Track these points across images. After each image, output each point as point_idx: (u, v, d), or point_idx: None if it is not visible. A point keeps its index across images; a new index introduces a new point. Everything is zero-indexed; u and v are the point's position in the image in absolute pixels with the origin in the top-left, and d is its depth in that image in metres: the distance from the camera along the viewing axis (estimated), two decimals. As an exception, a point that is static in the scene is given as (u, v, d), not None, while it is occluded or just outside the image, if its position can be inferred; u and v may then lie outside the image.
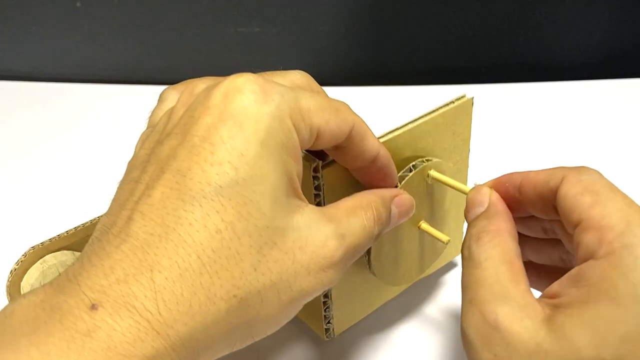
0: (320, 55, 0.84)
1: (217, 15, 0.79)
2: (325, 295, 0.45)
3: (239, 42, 0.81)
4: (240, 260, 0.29)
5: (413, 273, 0.49)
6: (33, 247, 0.42)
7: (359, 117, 0.38)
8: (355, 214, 0.36)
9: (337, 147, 0.37)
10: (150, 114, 0.40)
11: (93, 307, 0.27)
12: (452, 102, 0.47)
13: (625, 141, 0.74)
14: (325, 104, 0.35)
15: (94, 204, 0.64)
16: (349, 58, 0.85)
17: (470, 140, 0.50)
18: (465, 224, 0.40)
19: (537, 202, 0.39)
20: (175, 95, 0.40)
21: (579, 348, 0.31)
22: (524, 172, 0.41)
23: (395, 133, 0.43)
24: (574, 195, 0.37)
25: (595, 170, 0.39)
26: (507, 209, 0.39)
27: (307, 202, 0.34)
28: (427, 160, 0.45)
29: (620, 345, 0.30)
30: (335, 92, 0.79)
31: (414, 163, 0.44)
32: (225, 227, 0.29)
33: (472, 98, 0.47)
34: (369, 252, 0.44)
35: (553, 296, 0.34)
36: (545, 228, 0.42)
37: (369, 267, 0.45)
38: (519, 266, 0.35)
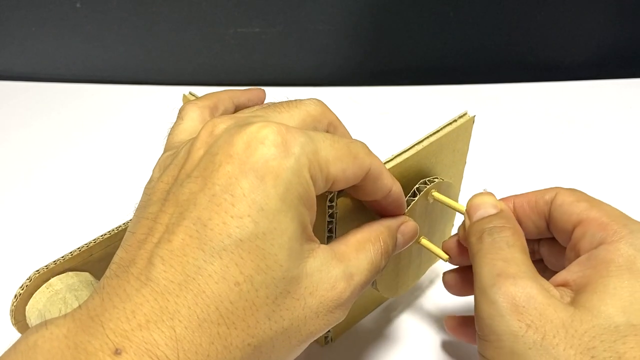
0: (321, 55, 0.84)
1: (217, 16, 0.79)
2: None
3: (239, 42, 0.81)
4: (256, 310, 0.30)
5: (410, 282, 0.51)
6: (38, 271, 0.42)
7: (375, 158, 0.38)
8: (364, 250, 0.38)
9: (352, 186, 0.38)
10: (169, 131, 0.40)
11: (117, 351, 0.27)
12: (455, 120, 0.48)
13: (624, 141, 0.74)
14: (344, 151, 0.36)
15: (93, 206, 0.64)
16: (349, 58, 0.85)
17: (468, 154, 0.51)
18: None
19: (531, 215, 0.43)
20: (195, 113, 0.41)
21: (610, 315, 0.34)
22: (514, 195, 0.44)
23: (403, 157, 0.44)
24: (570, 202, 0.41)
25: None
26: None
27: (317, 241, 0.35)
28: (430, 181, 0.46)
29: None
30: (336, 92, 0.79)
31: (417, 186, 0.46)
32: (244, 280, 0.30)
33: (474, 116, 0.48)
34: None
35: (564, 284, 0.38)
36: (533, 250, 0.45)
37: (373, 286, 0.47)
38: (528, 260, 0.38)
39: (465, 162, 0.52)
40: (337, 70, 0.86)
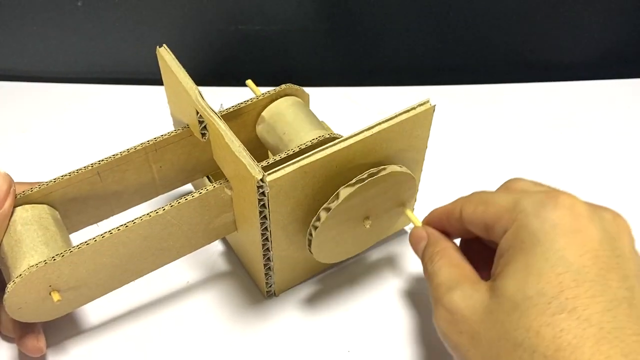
0: (321, 54, 0.84)
1: (218, 13, 0.79)
2: (268, 267, 0.54)
3: (239, 40, 0.81)
4: None
5: (348, 252, 0.56)
6: None
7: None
8: None
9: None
10: None
11: None
12: (414, 108, 0.50)
13: (624, 141, 0.74)
14: None
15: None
16: (349, 57, 0.85)
17: (429, 138, 0.54)
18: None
19: (456, 229, 0.50)
20: None
21: (511, 295, 0.39)
22: (436, 211, 0.52)
23: (349, 142, 0.48)
24: (472, 212, 0.46)
25: (482, 191, 0.48)
26: (442, 234, 0.50)
27: None
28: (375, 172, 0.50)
29: (539, 280, 0.38)
30: (335, 92, 0.79)
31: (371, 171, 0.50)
32: None
33: (434, 105, 0.50)
34: (310, 242, 0.51)
35: (493, 274, 0.43)
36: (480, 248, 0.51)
37: (310, 252, 0.52)
38: (466, 265, 0.46)
39: (427, 147, 0.54)
40: (337, 69, 0.86)
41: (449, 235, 0.51)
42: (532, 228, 0.40)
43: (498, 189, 0.49)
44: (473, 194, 0.48)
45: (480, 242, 0.50)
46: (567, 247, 0.39)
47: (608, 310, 0.36)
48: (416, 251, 0.51)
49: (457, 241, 0.52)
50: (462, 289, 0.43)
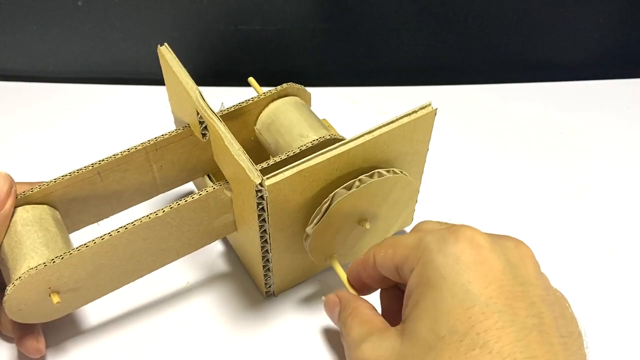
0: (321, 54, 0.84)
1: (218, 14, 0.79)
2: (267, 268, 0.54)
3: (240, 40, 0.81)
4: None
5: (345, 257, 0.56)
6: None
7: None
8: None
9: None
10: None
11: None
12: (415, 111, 0.50)
13: (623, 141, 0.74)
14: None
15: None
16: (349, 57, 0.85)
17: (430, 141, 0.54)
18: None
19: (375, 279, 0.49)
20: None
21: (423, 338, 0.38)
22: (356, 261, 0.50)
23: (350, 145, 0.48)
24: (382, 258, 0.46)
25: (393, 236, 0.51)
26: (354, 294, 0.50)
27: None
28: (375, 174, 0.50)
29: (449, 319, 0.37)
30: (336, 92, 0.79)
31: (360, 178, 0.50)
32: None
33: (436, 109, 0.50)
34: (307, 244, 0.51)
35: (403, 316, 0.42)
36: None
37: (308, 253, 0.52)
38: (376, 318, 0.45)
39: (428, 150, 0.54)
40: (337, 69, 0.86)
41: (368, 287, 0.51)
42: (436, 264, 0.40)
43: (411, 230, 0.48)
44: (384, 239, 0.48)
45: (396, 290, 0.50)
46: (472, 280, 0.38)
47: (518, 341, 0.36)
48: (332, 319, 0.51)
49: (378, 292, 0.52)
50: (371, 341, 0.42)
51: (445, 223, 0.46)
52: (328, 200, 0.48)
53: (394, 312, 0.47)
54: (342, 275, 0.52)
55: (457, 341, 0.37)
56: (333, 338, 0.56)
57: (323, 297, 0.51)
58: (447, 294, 0.38)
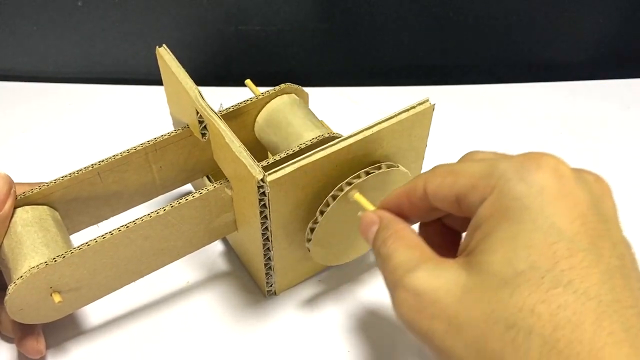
0: (320, 54, 0.84)
1: (218, 14, 0.79)
2: (269, 267, 0.54)
3: (239, 40, 0.81)
4: None
5: (346, 256, 0.56)
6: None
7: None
8: None
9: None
10: None
11: None
12: (413, 107, 0.50)
13: (623, 141, 0.74)
14: None
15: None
16: (349, 57, 0.85)
17: (428, 138, 0.54)
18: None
19: (418, 208, 0.43)
20: None
21: (497, 271, 0.34)
22: (394, 193, 0.45)
23: (349, 141, 0.48)
24: (438, 186, 0.40)
25: (446, 163, 0.43)
26: (396, 216, 0.44)
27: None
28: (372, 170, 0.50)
29: (530, 252, 0.34)
30: (335, 92, 0.79)
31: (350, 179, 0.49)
32: None
33: (434, 105, 0.50)
34: (309, 242, 0.51)
35: (463, 250, 0.38)
36: (441, 229, 0.46)
37: (309, 252, 0.52)
38: (425, 246, 0.40)
39: (426, 146, 0.54)
40: (337, 69, 0.86)
41: (407, 220, 0.44)
42: (516, 193, 0.36)
43: (459, 160, 0.43)
44: (436, 166, 0.42)
45: (440, 224, 0.46)
46: (557, 213, 0.35)
47: (603, 283, 0.33)
48: (366, 238, 0.45)
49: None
50: (426, 269, 0.37)
51: (504, 153, 0.41)
52: (332, 196, 0.49)
53: (435, 247, 0.41)
54: (369, 207, 0.47)
55: (538, 277, 0.33)
56: (334, 337, 0.56)
57: (360, 213, 0.45)
58: (530, 226, 0.35)
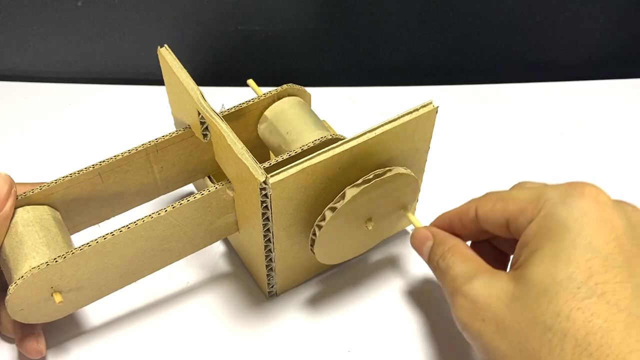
0: (321, 54, 0.84)
1: (218, 14, 0.79)
2: (270, 268, 0.54)
3: (240, 40, 0.81)
4: None
5: (348, 254, 0.57)
6: None
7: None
8: None
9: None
10: None
11: None
12: (417, 109, 0.50)
13: (624, 141, 0.74)
14: None
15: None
16: (350, 57, 0.85)
17: (431, 140, 0.54)
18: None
19: (469, 229, 0.50)
20: None
21: (539, 282, 0.39)
22: (447, 213, 0.53)
23: (357, 141, 0.48)
24: (489, 211, 0.47)
25: (496, 191, 0.49)
26: (448, 233, 0.51)
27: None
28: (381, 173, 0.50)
29: (568, 266, 0.39)
30: (336, 92, 0.79)
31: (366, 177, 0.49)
32: None
33: (437, 107, 0.51)
34: (313, 242, 0.51)
35: (513, 265, 0.44)
36: (490, 248, 0.53)
37: (312, 252, 0.52)
38: (479, 259, 0.46)
39: (429, 148, 0.55)
40: (337, 69, 0.86)
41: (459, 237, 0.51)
42: (560, 216, 0.41)
43: (510, 189, 0.50)
44: (487, 193, 0.49)
45: (488, 244, 0.52)
46: (594, 235, 0.40)
47: (635, 297, 0.38)
48: (420, 252, 0.52)
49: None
50: (482, 279, 0.43)
51: (549, 183, 0.47)
52: (341, 195, 0.48)
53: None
54: (418, 224, 0.54)
55: (574, 287, 0.38)
56: (335, 338, 0.56)
57: (409, 229, 0.55)
58: (569, 244, 0.40)
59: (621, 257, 0.39)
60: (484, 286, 0.43)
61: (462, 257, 0.47)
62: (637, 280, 0.38)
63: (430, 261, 0.50)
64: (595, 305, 0.37)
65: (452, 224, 0.51)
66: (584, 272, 0.38)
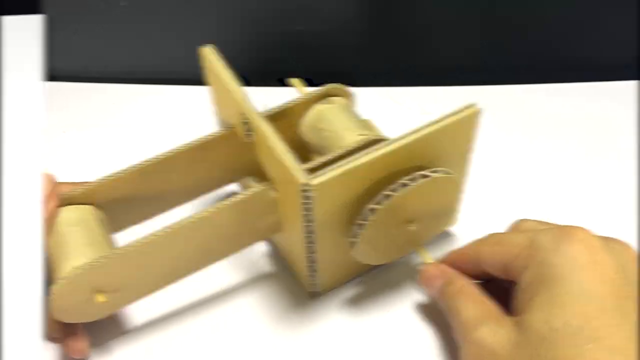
0: (363, 55, 0.84)
1: (261, 14, 0.79)
2: (313, 268, 0.53)
3: (282, 40, 0.81)
4: None
5: (391, 256, 0.56)
6: None
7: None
8: None
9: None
10: None
11: None
12: (461, 111, 0.49)
13: (625, 142, 0.73)
14: None
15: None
16: (392, 58, 0.84)
17: (474, 142, 0.54)
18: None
19: (474, 271, 0.51)
20: None
21: (537, 329, 0.41)
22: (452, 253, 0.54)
23: (400, 143, 0.48)
24: (489, 255, 0.49)
25: (495, 232, 0.51)
26: (456, 271, 0.52)
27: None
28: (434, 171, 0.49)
29: (564, 313, 0.40)
30: (378, 92, 0.79)
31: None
32: None
33: (480, 109, 0.50)
34: (354, 242, 0.51)
35: (514, 310, 0.45)
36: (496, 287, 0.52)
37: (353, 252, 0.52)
38: (488, 302, 0.47)
39: (472, 149, 0.54)
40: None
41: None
42: (552, 263, 0.43)
43: (508, 229, 0.52)
44: (487, 235, 0.51)
45: (492, 283, 0.52)
46: (587, 280, 0.41)
47: (629, 339, 0.39)
48: (430, 290, 0.53)
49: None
50: (489, 325, 0.44)
51: (546, 222, 0.50)
52: (383, 196, 0.48)
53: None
54: (429, 260, 0.55)
55: (571, 334, 0.39)
56: (380, 337, 0.55)
57: (418, 266, 0.54)
58: (563, 291, 0.41)
59: (614, 300, 0.40)
60: (490, 333, 0.44)
61: (472, 299, 0.48)
62: (630, 321, 0.40)
63: (440, 300, 0.51)
64: (592, 351, 0.38)
65: (456, 264, 0.52)
66: (579, 318, 0.40)
